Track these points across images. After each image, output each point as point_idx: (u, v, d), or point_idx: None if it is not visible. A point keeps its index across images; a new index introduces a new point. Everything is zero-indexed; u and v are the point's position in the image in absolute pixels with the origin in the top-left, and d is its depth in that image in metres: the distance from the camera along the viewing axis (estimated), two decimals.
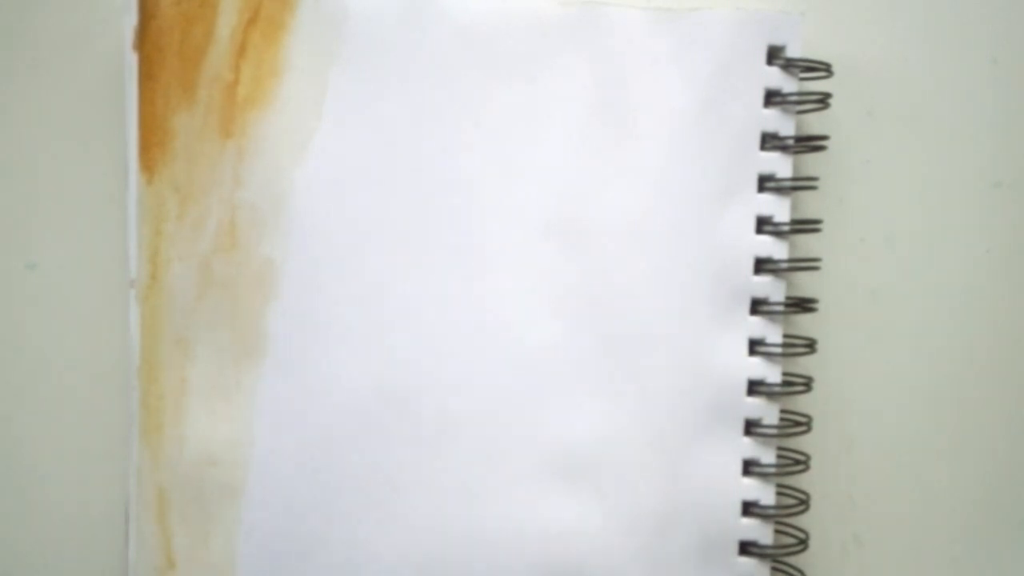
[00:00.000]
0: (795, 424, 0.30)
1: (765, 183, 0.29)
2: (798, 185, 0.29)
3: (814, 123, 0.30)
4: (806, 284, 0.31)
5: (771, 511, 0.29)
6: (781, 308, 0.29)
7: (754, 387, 0.29)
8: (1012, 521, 0.31)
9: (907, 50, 0.31)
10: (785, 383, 0.29)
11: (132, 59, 0.28)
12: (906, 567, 0.31)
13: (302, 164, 0.28)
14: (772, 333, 0.29)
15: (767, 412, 0.29)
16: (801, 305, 0.29)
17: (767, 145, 0.29)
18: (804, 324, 0.31)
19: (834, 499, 0.31)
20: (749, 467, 0.30)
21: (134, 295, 0.29)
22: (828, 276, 0.31)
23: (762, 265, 0.29)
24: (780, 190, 0.29)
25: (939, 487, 0.31)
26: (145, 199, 0.28)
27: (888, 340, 0.31)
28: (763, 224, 0.29)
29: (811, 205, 0.31)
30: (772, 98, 0.29)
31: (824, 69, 0.29)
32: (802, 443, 0.30)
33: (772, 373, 0.29)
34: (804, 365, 0.30)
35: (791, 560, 0.30)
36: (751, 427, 0.29)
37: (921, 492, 0.31)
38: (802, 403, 0.30)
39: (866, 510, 0.31)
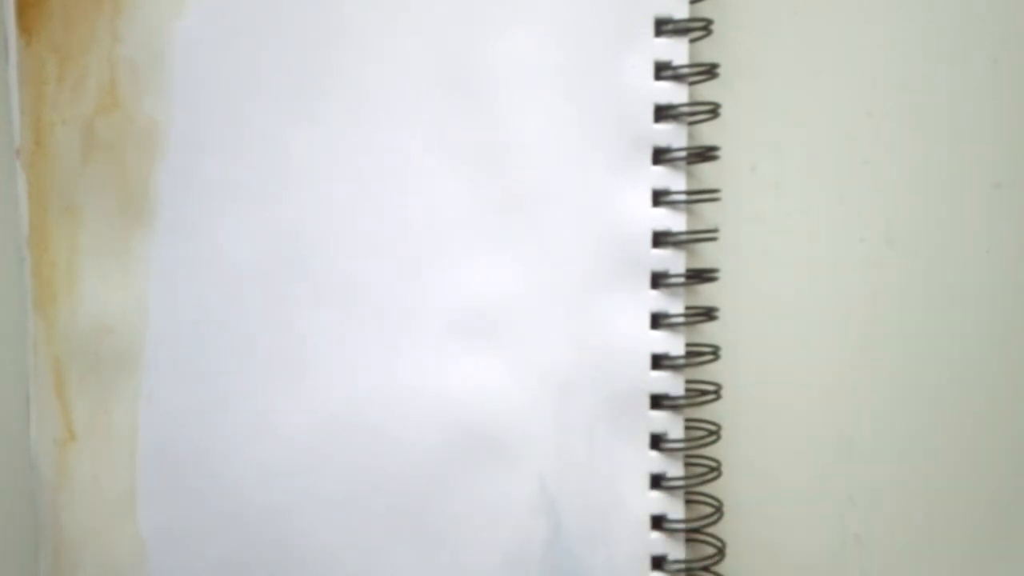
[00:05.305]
0: (702, 278, 0.29)
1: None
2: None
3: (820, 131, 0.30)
4: (804, 285, 0.31)
5: (681, 362, 0.29)
6: (683, 154, 0.29)
7: (660, 238, 0.29)
8: (1018, 531, 0.31)
9: (907, 50, 0.30)
10: (690, 231, 0.29)
11: None
12: (908, 568, 0.31)
13: (182, 17, 0.27)
14: (675, 182, 0.29)
15: (673, 263, 0.29)
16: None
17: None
18: (801, 324, 0.31)
19: (833, 499, 0.31)
20: (658, 320, 0.29)
21: (20, 163, 0.28)
22: (827, 277, 0.31)
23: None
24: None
25: (942, 491, 0.31)
26: (25, 62, 0.28)
27: (888, 340, 0.31)
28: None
29: (810, 204, 0.30)
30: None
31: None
32: (713, 297, 0.30)
33: (677, 223, 0.29)
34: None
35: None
36: (659, 279, 0.29)
37: (923, 496, 0.31)
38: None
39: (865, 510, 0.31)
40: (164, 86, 0.27)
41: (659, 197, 0.29)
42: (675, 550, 0.29)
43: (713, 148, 0.29)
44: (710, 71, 0.29)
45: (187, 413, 0.28)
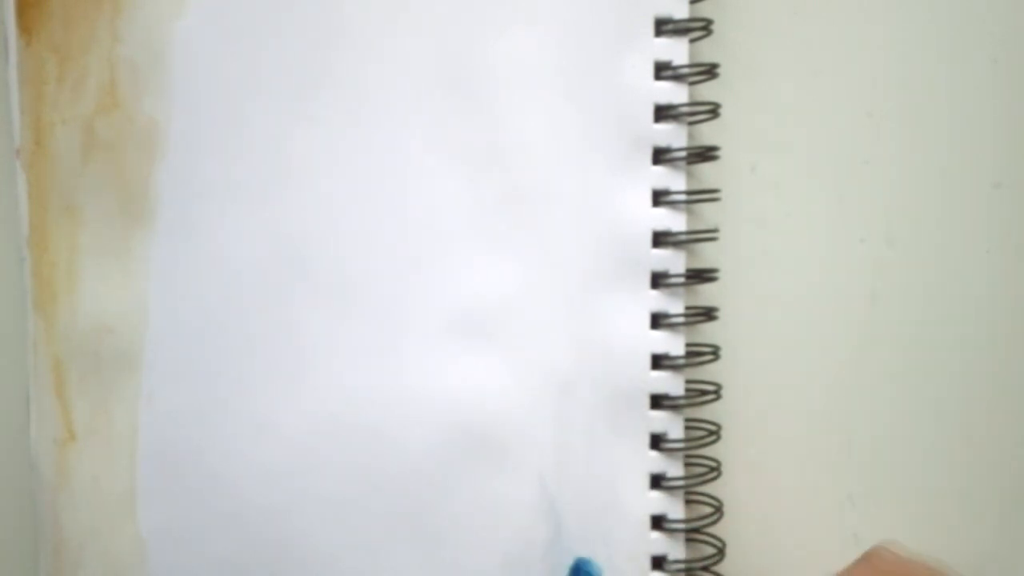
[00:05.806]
0: (702, 278, 0.29)
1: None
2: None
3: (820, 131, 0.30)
4: (804, 285, 0.30)
5: (681, 362, 0.29)
6: (683, 154, 0.29)
7: (660, 238, 0.29)
8: (1019, 532, 0.31)
9: (907, 50, 0.30)
10: (690, 231, 0.29)
11: None
12: None
13: (182, 17, 0.27)
14: (675, 182, 0.29)
15: (673, 263, 0.29)
16: None
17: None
18: (801, 324, 0.31)
19: (833, 499, 0.31)
20: (658, 320, 0.29)
21: (20, 163, 0.28)
22: (827, 277, 0.31)
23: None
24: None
25: (942, 491, 0.31)
26: (25, 62, 0.28)
27: (888, 340, 0.31)
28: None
29: (810, 204, 0.30)
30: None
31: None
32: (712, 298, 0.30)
33: (677, 223, 0.29)
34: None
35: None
36: (659, 279, 0.29)
37: (923, 496, 0.31)
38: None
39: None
40: (164, 86, 0.27)
41: (659, 197, 0.29)
42: (675, 550, 0.29)
43: (713, 148, 0.29)
44: (710, 71, 0.29)
45: (187, 413, 0.28)
